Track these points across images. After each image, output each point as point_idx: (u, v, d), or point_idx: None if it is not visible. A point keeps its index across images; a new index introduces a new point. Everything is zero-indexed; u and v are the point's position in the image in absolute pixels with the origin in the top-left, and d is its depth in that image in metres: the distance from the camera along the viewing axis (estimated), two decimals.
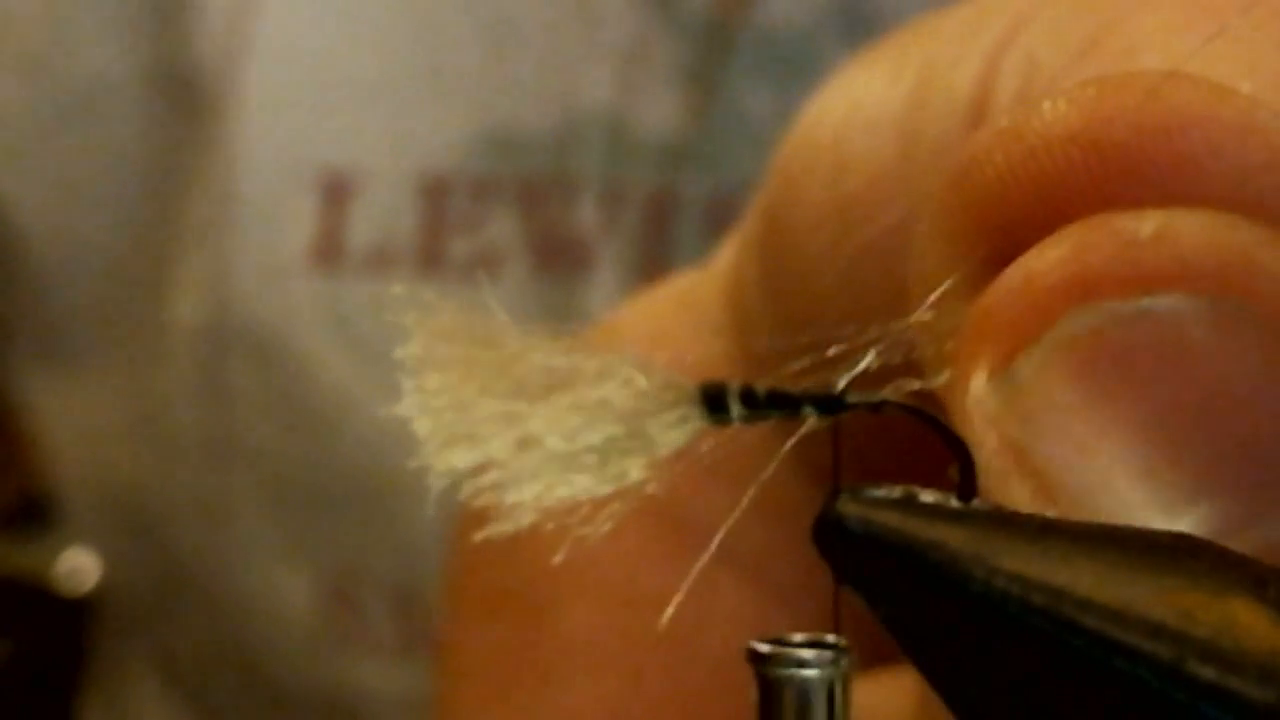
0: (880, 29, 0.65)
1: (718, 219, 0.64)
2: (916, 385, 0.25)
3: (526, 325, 0.24)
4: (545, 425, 0.24)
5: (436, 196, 0.65)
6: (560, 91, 0.65)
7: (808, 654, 0.24)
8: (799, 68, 0.64)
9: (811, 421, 0.25)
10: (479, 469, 0.24)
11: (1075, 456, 0.24)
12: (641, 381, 0.24)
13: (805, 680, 0.24)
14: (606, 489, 0.24)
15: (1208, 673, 0.22)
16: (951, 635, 0.23)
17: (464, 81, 0.66)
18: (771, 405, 0.25)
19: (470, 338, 0.24)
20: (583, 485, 0.24)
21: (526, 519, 0.24)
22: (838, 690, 0.24)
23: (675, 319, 0.37)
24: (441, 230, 0.65)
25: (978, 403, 0.24)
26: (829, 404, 0.25)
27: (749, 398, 0.25)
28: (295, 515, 0.68)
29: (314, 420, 0.67)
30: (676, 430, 0.24)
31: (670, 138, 0.65)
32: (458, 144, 0.65)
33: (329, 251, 0.66)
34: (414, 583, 0.67)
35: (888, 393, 0.25)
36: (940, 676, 0.24)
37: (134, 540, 0.73)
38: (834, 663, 0.24)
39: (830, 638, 0.25)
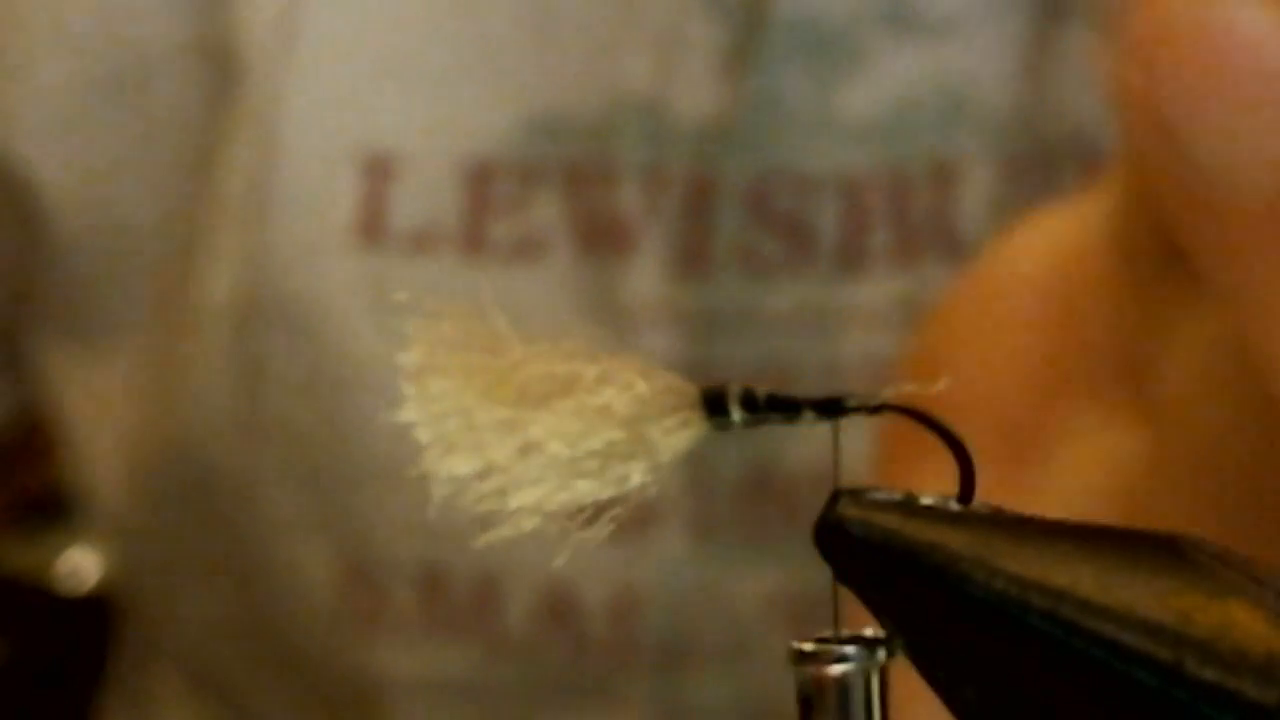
0: (922, 21, 0.64)
1: (758, 203, 0.64)
2: (913, 388, 0.25)
3: (529, 330, 0.25)
4: (547, 431, 0.24)
5: (480, 181, 0.66)
6: (602, 76, 0.65)
7: (849, 649, 0.25)
8: (838, 55, 0.64)
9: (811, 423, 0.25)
10: (481, 475, 0.24)
11: None
12: (642, 386, 0.24)
13: (844, 675, 0.24)
14: (608, 493, 0.24)
15: (1207, 674, 0.22)
16: (952, 637, 0.24)
17: (508, 66, 0.66)
18: (772, 408, 0.25)
19: (472, 344, 0.24)
20: (585, 490, 0.24)
21: (529, 524, 0.24)
22: (873, 683, 0.25)
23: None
24: (485, 213, 0.65)
25: None
26: (828, 407, 0.25)
27: (749, 401, 0.25)
28: (323, 494, 0.68)
29: (346, 398, 0.67)
30: (678, 434, 0.24)
31: (709, 121, 0.65)
32: (502, 128, 0.65)
33: (371, 229, 0.66)
34: (440, 564, 0.67)
35: (887, 395, 0.25)
36: (940, 678, 0.24)
37: (159, 515, 0.72)
38: (869, 657, 0.25)
39: (869, 631, 0.25)
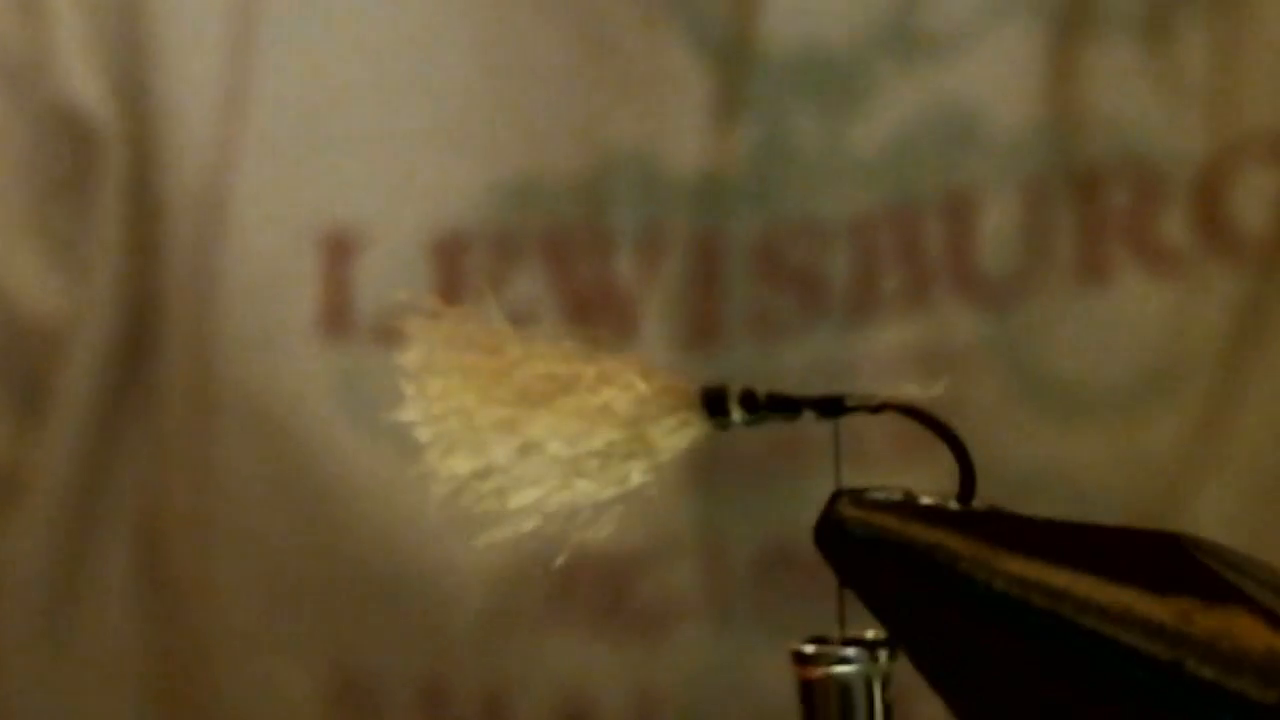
0: (928, 39, 0.58)
1: (768, 257, 0.59)
2: (914, 388, 0.25)
3: (527, 332, 0.25)
4: (547, 431, 0.24)
5: (451, 255, 0.59)
6: (583, 132, 0.59)
7: (850, 651, 0.25)
8: (842, 87, 0.58)
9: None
10: (481, 474, 0.24)
11: None
12: (642, 387, 0.24)
13: (845, 676, 0.24)
14: (609, 493, 0.24)
15: (1207, 673, 0.22)
16: (953, 636, 0.24)
17: (475, 126, 0.59)
18: (771, 408, 0.25)
19: (472, 345, 0.24)
20: (585, 489, 0.24)
21: (529, 523, 0.24)
22: (875, 685, 0.25)
23: None
24: (460, 292, 0.59)
25: None
26: (828, 406, 0.25)
27: (749, 401, 0.25)
28: (300, 607, 0.61)
29: (322, 504, 0.60)
30: (677, 434, 0.24)
31: (708, 174, 0.59)
32: (473, 195, 0.59)
33: (335, 317, 0.60)
34: (443, 677, 0.60)
35: (887, 394, 0.25)
36: (941, 677, 0.24)
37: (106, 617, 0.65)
38: (870, 660, 0.25)
39: (870, 634, 0.25)
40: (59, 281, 0.62)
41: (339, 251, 0.60)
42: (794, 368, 0.59)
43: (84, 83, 0.60)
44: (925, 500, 0.24)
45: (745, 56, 0.59)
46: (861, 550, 0.24)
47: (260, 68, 0.59)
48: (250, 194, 0.59)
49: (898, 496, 0.24)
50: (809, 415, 0.25)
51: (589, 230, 0.59)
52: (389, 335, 0.61)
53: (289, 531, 0.61)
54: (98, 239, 0.61)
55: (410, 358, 0.25)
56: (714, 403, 0.25)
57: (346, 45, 0.60)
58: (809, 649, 0.25)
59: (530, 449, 0.24)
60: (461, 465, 0.24)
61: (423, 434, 0.24)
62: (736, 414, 0.25)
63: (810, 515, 0.62)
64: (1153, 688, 0.22)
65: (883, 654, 0.25)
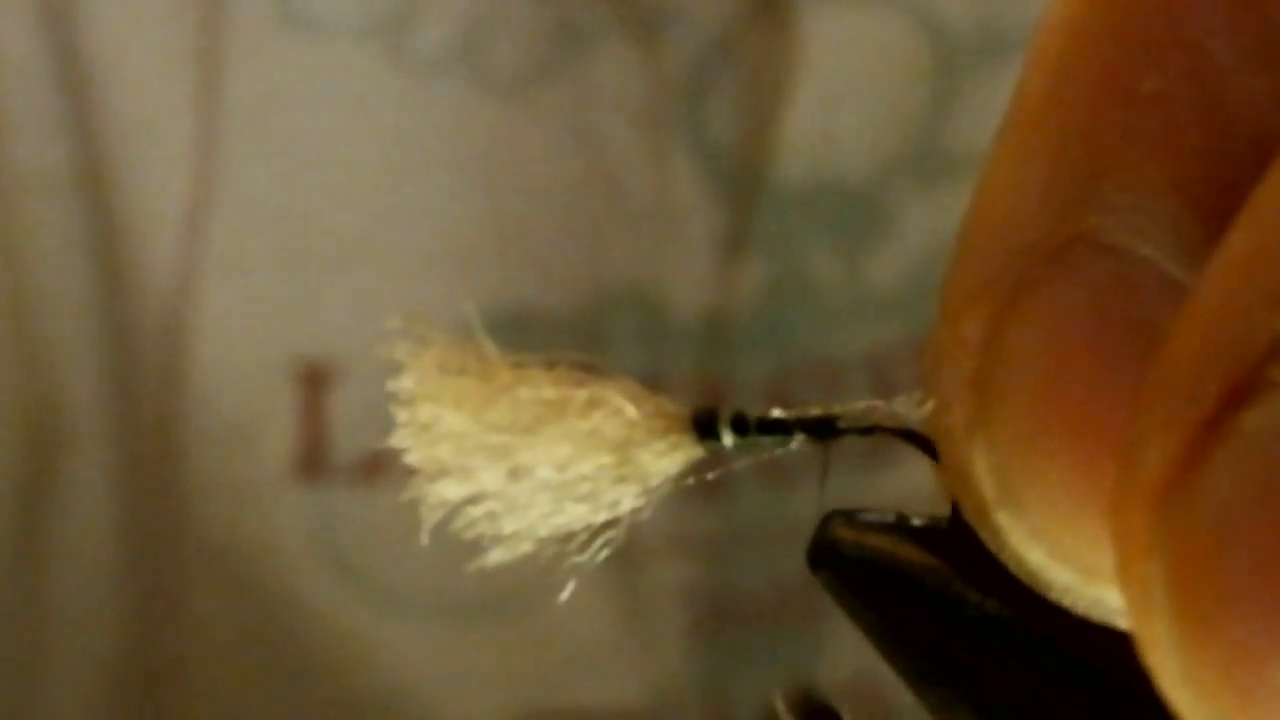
0: (953, 169, 0.56)
1: (783, 402, 0.56)
2: (906, 409, 0.25)
3: (518, 358, 0.25)
4: (536, 456, 0.24)
5: None
6: (581, 265, 0.57)
7: None
8: (865, 221, 0.56)
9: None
10: (471, 500, 0.24)
11: None
12: (631, 410, 0.24)
13: None
14: (600, 518, 0.24)
15: None
16: (948, 661, 0.23)
17: (467, 254, 0.56)
18: (763, 431, 0.25)
19: (462, 370, 0.24)
20: (575, 514, 0.24)
21: (520, 549, 0.24)
22: None
23: None
24: None
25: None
26: (820, 428, 0.25)
27: (739, 424, 0.25)
28: None
29: (300, 660, 0.57)
30: (668, 458, 0.24)
31: (716, 313, 0.57)
32: (460, 326, 0.57)
33: (312, 460, 0.57)
34: None
35: (879, 417, 0.25)
36: (935, 701, 0.24)
37: None
38: None
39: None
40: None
41: (314, 385, 0.57)
42: (805, 516, 0.57)
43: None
44: (917, 521, 0.24)
45: (758, 188, 0.56)
46: (854, 573, 0.24)
47: (222, 183, 0.56)
48: (216, 319, 0.56)
49: (890, 518, 0.24)
50: (800, 437, 0.25)
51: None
52: (371, 474, 0.56)
53: (269, 690, 0.58)
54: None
55: (402, 383, 0.25)
56: (705, 426, 0.25)
57: (321, 163, 0.56)
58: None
59: (520, 474, 0.24)
60: (452, 491, 0.24)
61: (413, 460, 0.24)
62: (727, 437, 0.25)
63: (820, 671, 0.57)
64: (1155, 709, 0.22)
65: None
